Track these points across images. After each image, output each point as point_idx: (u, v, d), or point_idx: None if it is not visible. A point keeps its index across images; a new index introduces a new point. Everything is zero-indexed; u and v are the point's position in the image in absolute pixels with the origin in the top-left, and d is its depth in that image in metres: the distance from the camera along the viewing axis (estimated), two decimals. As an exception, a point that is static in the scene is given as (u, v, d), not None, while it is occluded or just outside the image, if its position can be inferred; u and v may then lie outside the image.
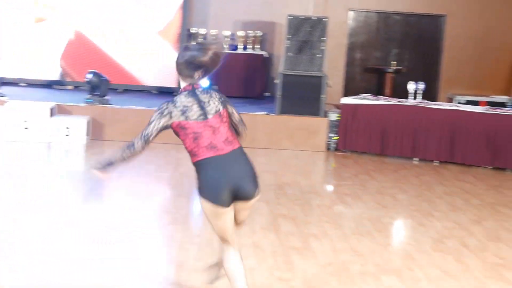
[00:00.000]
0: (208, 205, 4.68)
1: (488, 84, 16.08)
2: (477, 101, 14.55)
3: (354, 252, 6.96)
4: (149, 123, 4.72)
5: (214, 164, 4.65)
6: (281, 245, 7.08)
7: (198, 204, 4.74)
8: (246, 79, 15.73)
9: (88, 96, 12.98)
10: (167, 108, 4.72)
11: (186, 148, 4.74)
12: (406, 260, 6.86)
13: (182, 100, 4.73)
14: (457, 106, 12.78)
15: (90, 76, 12.97)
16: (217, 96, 4.84)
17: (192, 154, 4.72)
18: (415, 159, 12.51)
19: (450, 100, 15.42)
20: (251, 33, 15.89)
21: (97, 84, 12.94)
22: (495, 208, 9.29)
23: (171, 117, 4.70)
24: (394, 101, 12.93)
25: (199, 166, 4.69)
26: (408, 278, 6.33)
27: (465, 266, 6.79)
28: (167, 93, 15.01)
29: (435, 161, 12.35)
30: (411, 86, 12.98)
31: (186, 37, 15.52)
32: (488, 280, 6.44)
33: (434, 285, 6.21)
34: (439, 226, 8.23)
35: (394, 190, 10.07)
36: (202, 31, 15.80)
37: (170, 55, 15.15)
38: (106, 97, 13.01)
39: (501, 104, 14.70)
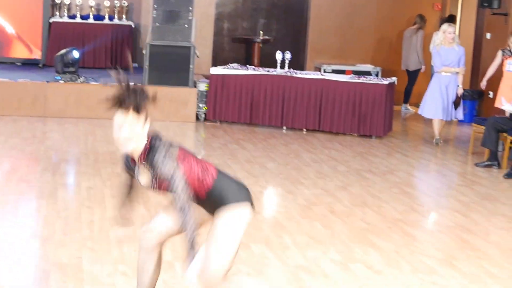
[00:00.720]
0: (248, 212, 4.25)
1: (353, 53, 16.37)
2: (344, 70, 14.79)
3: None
4: (173, 178, 3.95)
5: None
6: (150, 217, 7.02)
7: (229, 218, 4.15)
8: (113, 49, 15.49)
9: None
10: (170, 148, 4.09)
11: (194, 182, 4.10)
12: (275, 228, 6.93)
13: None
14: (323, 75, 12.96)
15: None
16: None
17: (201, 183, 4.13)
18: (284, 128, 12.64)
19: (317, 69, 15.62)
20: (117, 2, 15.63)
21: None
22: (361, 174, 9.49)
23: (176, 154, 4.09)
24: (262, 70, 13.00)
25: (218, 182, 4.20)
26: (277, 245, 6.40)
27: (332, 232, 6.92)
28: (31, 64, 14.63)
29: (303, 130, 12.51)
30: (278, 56, 13.07)
31: (50, 7, 15.12)
32: (355, 244, 6.58)
33: (302, 252, 6.30)
34: (307, 193, 8.35)
35: (263, 159, 10.15)
36: (67, 1, 15.43)
37: (35, 28, 14.75)
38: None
39: (366, 73, 15.01)
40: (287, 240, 6.57)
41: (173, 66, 12.92)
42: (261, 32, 16.38)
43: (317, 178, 9.12)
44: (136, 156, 4.02)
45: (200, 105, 13.05)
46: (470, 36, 16.49)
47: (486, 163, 10.40)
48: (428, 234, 7.02)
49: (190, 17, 13.03)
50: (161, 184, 3.97)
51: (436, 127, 11.97)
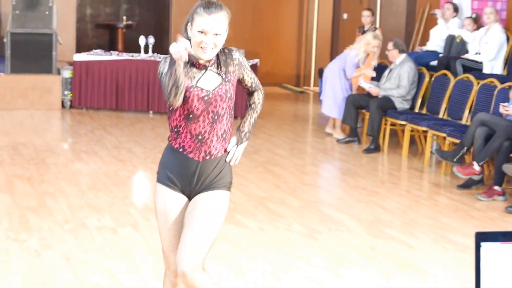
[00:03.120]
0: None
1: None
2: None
3: (91, 208, 7.03)
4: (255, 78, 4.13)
5: None
6: (16, 205, 7.01)
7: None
8: (-28, 39, 15.17)
9: None
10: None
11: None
12: (142, 212, 7.03)
13: None
14: (188, 58, 13.07)
15: None
16: None
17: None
18: (150, 112, 12.71)
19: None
20: (-25, -10, 15.30)
21: None
22: (227, 155, 9.68)
23: None
24: (126, 56, 13.02)
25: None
26: (145, 228, 6.50)
27: (199, 212, 7.07)
28: None
29: (170, 113, 12.60)
30: (142, 41, 13.10)
31: None
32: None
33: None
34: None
35: (130, 144, 10.21)
36: None
37: None
38: None
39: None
40: (154, 223, 6.67)
41: (35, 54, 12.78)
42: (124, 17, 16.37)
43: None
44: (204, 61, 3.86)
45: (65, 92, 12.96)
46: (328, 17, 16.96)
47: (347, 139, 10.79)
48: (292, 210, 7.26)
49: (50, 4, 12.90)
50: (227, 89, 3.87)
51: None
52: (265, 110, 13.56)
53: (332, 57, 15.76)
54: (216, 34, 3.78)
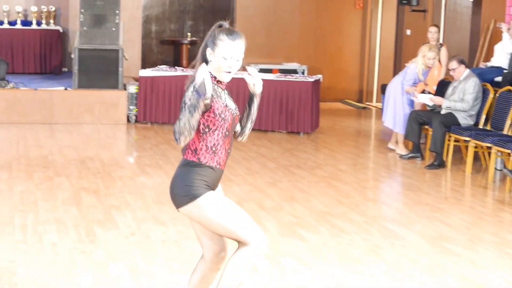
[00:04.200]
0: None
1: (280, 52, 16.66)
2: (271, 69, 15.05)
3: (156, 221, 7.15)
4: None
5: None
6: (83, 218, 7.16)
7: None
8: (42, 55, 15.49)
9: None
10: None
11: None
12: (206, 225, 7.10)
13: None
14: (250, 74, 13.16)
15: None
16: None
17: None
18: (214, 127, 12.82)
19: (244, 69, 15.84)
20: (44, 8, 15.63)
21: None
22: (289, 170, 9.74)
23: None
24: (190, 71, 13.15)
25: None
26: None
27: (262, 227, 7.13)
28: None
29: (233, 129, 12.71)
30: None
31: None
32: (284, 238, 6.81)
33: (232, 246, 6.49)
34: (237, 190, 8.56)
35: (194, 158, 10.30)
36: (-6, 7, 15.40)
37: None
38: None
39: (293, 71, 15.29)
40: (218, 236, 6.75)
41: (102, 69, 13.02)
42: (189, 33, 16.58)
43: (246, 175, 9.34)
44: (223, 84, 4.26)
45: (131, 107, 13.17)
46: (391, 33, 16.93)
47: (410, 155, 10.76)
48: (354, 225, 7.28)
49: (117, 21, 13.14)
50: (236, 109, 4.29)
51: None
52: (327, 125, 13.59)
53: (395, 73, 15.69)
54: (238, 60, 4.17)
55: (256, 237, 4.26)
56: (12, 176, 8.90)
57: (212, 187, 4.22)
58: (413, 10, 15.44)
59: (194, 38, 16.40)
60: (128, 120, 13.17)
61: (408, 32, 16.14)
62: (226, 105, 4.16)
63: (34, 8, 15.53)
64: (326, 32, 16.86)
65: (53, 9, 15.68)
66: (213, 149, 4.16)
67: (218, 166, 4.19)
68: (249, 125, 4.40)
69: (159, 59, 16.62)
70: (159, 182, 8.80)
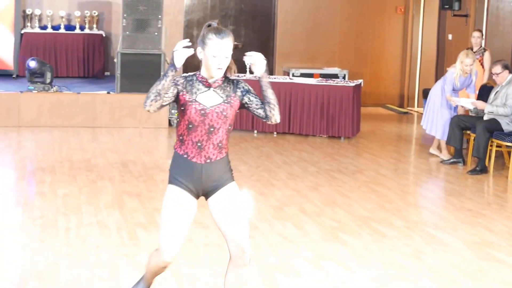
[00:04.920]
0: None
1: (320, 57, 16.65)
2: (312, 74, 15.05)
3: (198, 224, 7.17)
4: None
5: None
6: (126, 221, 7.22)
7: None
8: (85, 59, 15.63)
9: None
10: None
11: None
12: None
13: None
14: (291, 79, 13.21)
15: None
16: None
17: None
18: (255, 131, 12.86)
19: (285, 73, 15.88)
20: (87, 12, 15.77)
21: None
22: (331, 174, 9.73)
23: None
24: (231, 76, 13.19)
25: None
26: (250, 245, 6.59)
27: (304, 231, 7.14)
28: (4, 75, 14.69)
29: (274, 133, 12.74)
30: (247, 61, 13.26)
31: (21, 18, 15.24)
32: (326, 242, 6.81)
33: (275, 251, 6.52)
34: (278, 194, 8.58)
35: (235, 162, 10.32)
36: (37, 11, 15.56)
37: (7, 39, 14.81)
38: None
39: (334, 76, 15.28)
40: (260, 241, 6.78)
41: (144, 74, 13.11)
42: (230, 38, 16.61)
43: (288, 180, 9.35)
44: (213, 80, 4.43)
45: (172, 111, 13.24)
46: (432, 38, 16.83)
47: (452, 160, 10.69)
48: (396, 230, 7.26)
49: (159, 25, 13.22)
50: (227, 108, 4.44)
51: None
52: (368, 130, 13.55)
53: (437, 78, 15.61)
54: (226, 57, 4.38)
55: (163, 251, 4.50)
56: (55, 179, 8.99)
57: (189, 180, 4.45)
58: (455, 15, 15.35)
59: (236, 43, 16.43)
60: (170, 124, 13.24)
61: (450, 36, 16.04)
62: (194, 100, 4.37)
63: (77, 13, 15.68)
64: (367, 37, 16.81)
65: (96, 13, 15.81)
66: (181, 138, 4.46)
67: (185, 156, 4.44)
68: (269, 109, 4.48)
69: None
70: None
